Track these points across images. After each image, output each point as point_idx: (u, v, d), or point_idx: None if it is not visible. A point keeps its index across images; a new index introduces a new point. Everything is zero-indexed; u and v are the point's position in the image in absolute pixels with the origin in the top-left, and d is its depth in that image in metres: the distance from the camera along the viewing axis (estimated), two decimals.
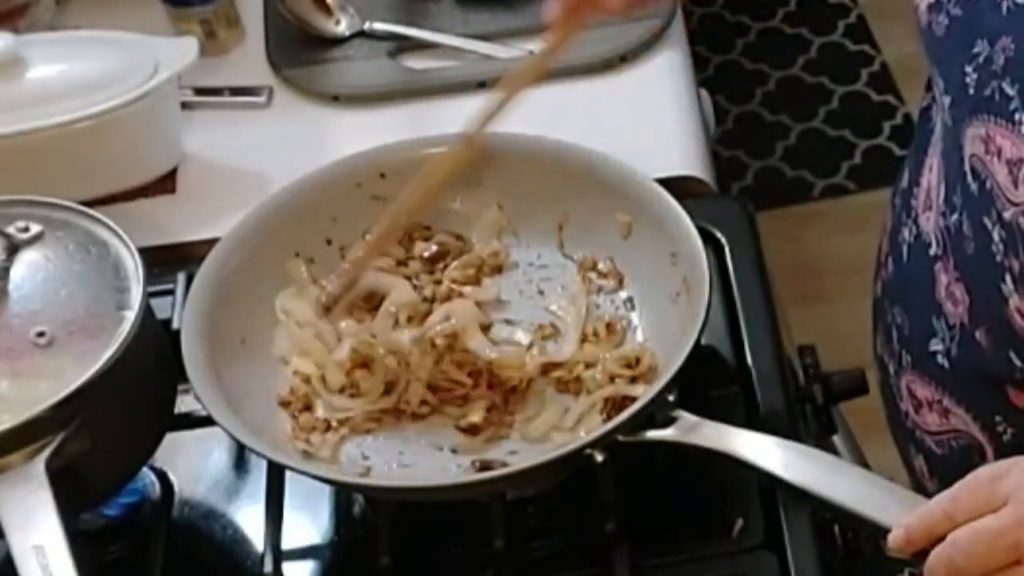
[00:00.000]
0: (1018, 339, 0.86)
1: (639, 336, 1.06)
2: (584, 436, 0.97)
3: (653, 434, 0.94)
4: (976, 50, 0.82)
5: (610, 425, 0.94)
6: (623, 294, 1.09)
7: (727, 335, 1.10)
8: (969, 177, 0.85)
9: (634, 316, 1.07)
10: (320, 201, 1.12)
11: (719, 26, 2.77)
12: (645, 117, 1.30)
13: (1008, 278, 0.84)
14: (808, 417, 1.08)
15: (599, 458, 0.93)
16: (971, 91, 0.82)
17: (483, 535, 0.97)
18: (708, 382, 1.06)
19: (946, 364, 0.95)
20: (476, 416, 1.01)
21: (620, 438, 0.94)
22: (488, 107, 1.02)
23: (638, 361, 1.02)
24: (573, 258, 1.11)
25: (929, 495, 1.05)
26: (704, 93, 1.44)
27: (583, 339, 1.06)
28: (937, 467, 1.02)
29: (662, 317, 1.05)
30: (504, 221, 1.13)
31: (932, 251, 0.93)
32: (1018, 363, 0.88)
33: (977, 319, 0.89)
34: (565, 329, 1.07)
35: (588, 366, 1.04)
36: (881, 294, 1.04)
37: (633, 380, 1.01)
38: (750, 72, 2.71)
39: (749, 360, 1.07)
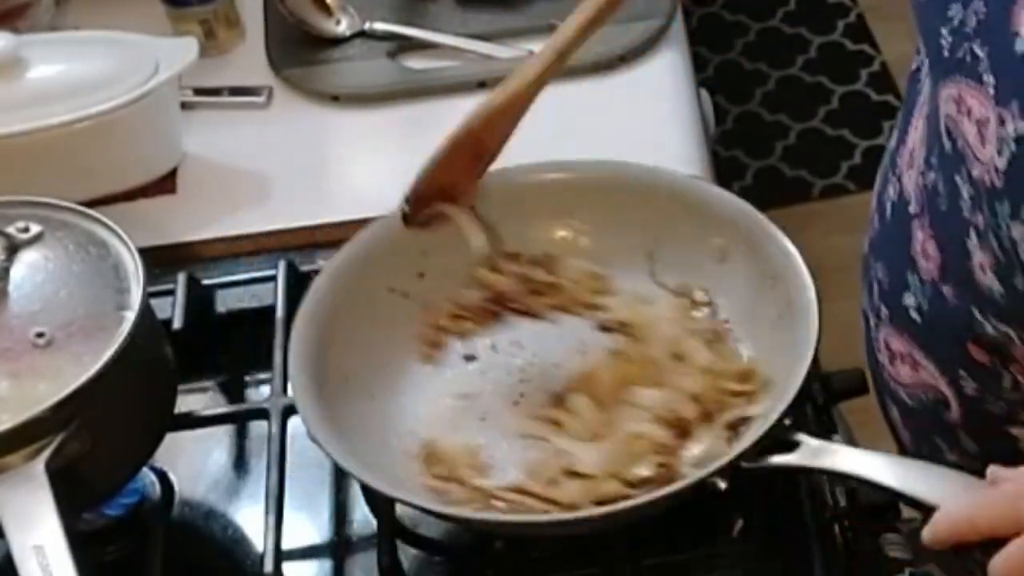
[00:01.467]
0: (981, 295, 0.88)
1: (743, 356, 1.04)
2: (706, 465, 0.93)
3: (778, 460, 0.91)
4: (951, 13, 0.84)
5: (732, 455, 0.91)
6: (721, 317, 1.06)
7: None
8: (944, 137, 0.88)
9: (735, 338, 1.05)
10: (409, 235, 1.07)
11: (719, 26, 2.78)
12: (645, 117, 1.30)
13: (973, 234, 0.86)
14: (808, 417, 1.08)
15: (722, 485, 0.90)
16: (946, 53, 0.84)
17: (484, 535, 0.97)
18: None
19: (918, 319, 0.96)
20: (647, 470, 0.96)
21: (744, 465, 0.91)
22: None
23: (751, 375, 1.00)
24: (667, 286, 1.08)
25: (904, 446, 1.05)
26: (704, 93, 1.44)
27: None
28: (909, 419, 1.04)
29: (764, 340, 1.02)
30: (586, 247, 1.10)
31: (911, 209, 0.95)
32: (979, 318, 0.89)
33: (946, 275, 0.91)
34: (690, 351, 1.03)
35: (712, 382, 1.00)
36: (867, 251, 1.06)
37: (748, 399, 0.99)
38: (750, 72, 2.71)
39: None
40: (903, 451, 1.08)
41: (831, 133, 2.60)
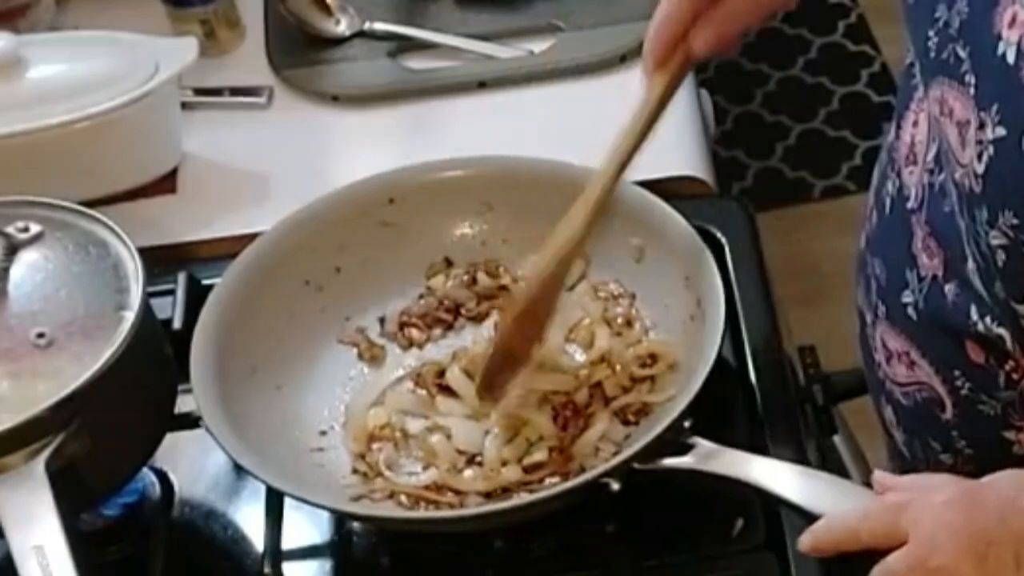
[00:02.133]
0: (977, 294, 0.88)
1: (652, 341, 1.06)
2: (601, 464, 0.95)
3: (670, 462, 0.93)
4: (937, 15, 0.84)
5: (625, 455, 0.93)
6: (641, 316, 1.08)
7: (727, 336, 1.09)
8: (937, 138, 0.88)
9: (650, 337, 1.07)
10: (327, 229, 1.11)
11: None
12: None
13: (964, 236, 0.86)
14: (808, 417, 1.08)
15: (615, 487, 0.92)
16: (932, 55, 0.85)
17: (483, 535, 0.97)
18: (708, 383, 1.06)
19: (914, 316, 0.97)
20: (540, 454, 0.99)
21: (636, 466, 0.93)
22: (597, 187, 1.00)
23: (654, 359, 1.02)
24: (588, 282, 1.10)
25: (896, 445, 1.06)
26: (704, 93, 1.44)
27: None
28: (903, 418, 1.04)
29: (677, 341, 1.04)
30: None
31: (910, 204, 0.95)
32: (975, 318, 0.89)
33: (950, 273, 0.91)
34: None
35: (611, 368, 1.03)
36: (864, 246, 1.06)
37: (651, 384, 1.01)
38: (750, 72, 2.71)
39: (749, 360, 1.07)
40: (895, 451, 1.08)
41: (832, 134, 2.59)
